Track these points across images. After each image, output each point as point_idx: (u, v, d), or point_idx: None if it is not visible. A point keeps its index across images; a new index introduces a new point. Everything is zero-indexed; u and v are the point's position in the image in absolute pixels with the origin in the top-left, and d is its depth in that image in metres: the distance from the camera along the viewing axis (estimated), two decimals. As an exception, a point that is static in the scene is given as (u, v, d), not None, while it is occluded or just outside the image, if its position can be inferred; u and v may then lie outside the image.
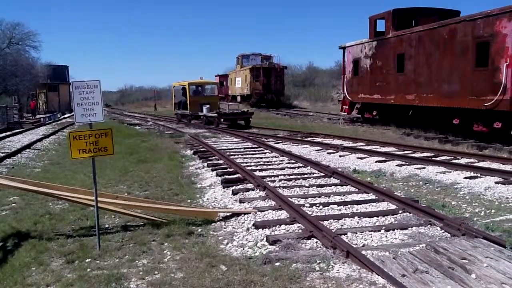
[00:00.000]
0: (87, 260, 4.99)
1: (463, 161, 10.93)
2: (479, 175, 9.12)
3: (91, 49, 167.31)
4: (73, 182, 9.09)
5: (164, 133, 20.12)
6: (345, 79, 22.69)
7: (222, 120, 22.81)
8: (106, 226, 6.29)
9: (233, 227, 6.15)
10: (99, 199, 5.67)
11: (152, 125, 26.08)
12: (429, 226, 5.87)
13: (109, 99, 74.21)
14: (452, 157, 11.50)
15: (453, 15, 17.27)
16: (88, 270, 4.73)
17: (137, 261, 4.96)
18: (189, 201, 7.75)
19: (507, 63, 12.67)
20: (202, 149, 13.81)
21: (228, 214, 6.71)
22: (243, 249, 5.29)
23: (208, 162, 11.42)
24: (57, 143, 18.24)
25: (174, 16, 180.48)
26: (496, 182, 8.43)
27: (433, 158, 11.33)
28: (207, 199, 7.89)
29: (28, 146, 16.18)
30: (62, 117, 41.34)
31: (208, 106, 23.89)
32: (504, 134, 13.22)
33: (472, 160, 11.02)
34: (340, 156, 12.37)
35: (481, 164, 10.45)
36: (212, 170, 10.31)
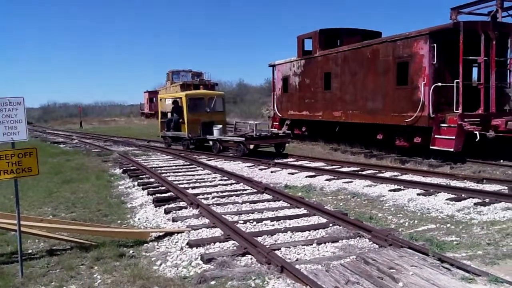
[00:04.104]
0: (8, 289, 4.67)
1: (387, 174, 11.49)
2: (402, 187, 9.62)
3: (9, 62, 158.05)
4: (-9, 205, 8.50)
5: (91, 152, 19.36)
6: (275, 96, 23.14)
7: (251, 146, 16.19)
8: (30, 251, 5.94)
9: (167, 247, 6.03)
10: (22, 222, 5.34)
11: (78, 143, 25.00)
12: (358, 238, 6.09)
13: (30, 116, 70.21)
14: (377, 171, 12.05)
15: (375, 36, 18.22)
16: (10, 299, 4.42)
17: (64, 287, 4.70)
18: (119, 222, 7.51)
19: (425, 82, 13.54)
20: (132, 168, 13.45)
21: (160, 234, 6.57)
22: (177, 269, 5.19)
23: (139, 180, 11.15)
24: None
25: (100, 31, 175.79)
26: (418, 194, 8.94)
27: (360, 172, 11.81)
28: (139, 219, 7.69)
29: None
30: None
31: (220, 126, 17.41)
32: (423, 148, 14.05)
33: (395, 173, 11.61)
34: (271, 172, 12.55)
35: (404, 177, 11.04)
36: (143, 189, 10.07)
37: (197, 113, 18.98)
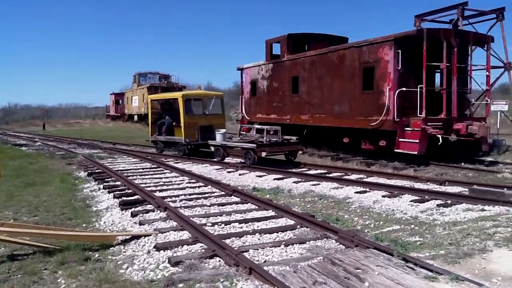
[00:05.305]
0: (-33, 296, 4.50)
1: (354, 177, 11.68)
2: (368, 189, 9.80)
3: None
4: None
5: (54, 154, 18.88)
6: (243, 100, 23.16)
7: (263, 154, 14.15)
8: (-11, 256, 5.74)
9: (133, 251, 5.94)
10: (-19, 227, 5.17)
11: (41, 145, 24.35)
12: (325, 239, 6.17)
13: (-11, 118, 68.00)
14: (343, 174, 12.24)
15: (342, 41, 18.52)
16: (-31, 306, 4.27)
17: (27, 293, 4.58)
18: (84, 225, 7.36)
19: (390, 87, 13.85)
20: (97, 171, 13.19)
21: (127, 237, 6.47)
22: (145, 273, 5.13)
23: (104, 183, 10.95)
24: None
25: (64, 31, 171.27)
26: (383, 196, 9.13)
27: (327, 175, 11.96)
28: (104, 222, 7.55)
29: None
30: None
31: (223, 131, 15.79)
32: (388, 151, 14.36)
33: (361, 175, 11.81)
34: (240, 174, 12.56)
35: (369, 179, 11.25)
36: (109, 192, 9.89)
37: (195, 116, 17.51)
